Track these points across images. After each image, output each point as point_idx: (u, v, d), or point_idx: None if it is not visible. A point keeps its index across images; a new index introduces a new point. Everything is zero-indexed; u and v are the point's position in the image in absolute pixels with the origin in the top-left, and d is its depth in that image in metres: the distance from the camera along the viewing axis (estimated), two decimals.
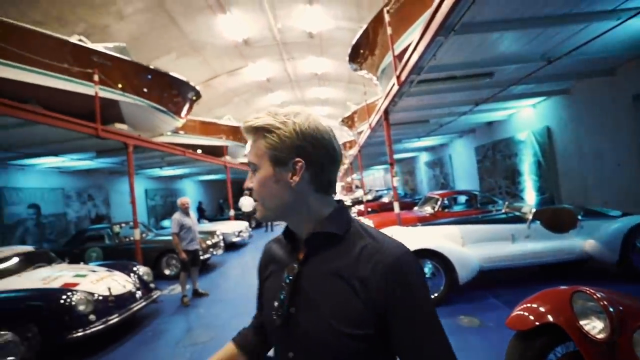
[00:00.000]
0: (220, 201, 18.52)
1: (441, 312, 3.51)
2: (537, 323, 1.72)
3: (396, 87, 4.52)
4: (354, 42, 7.64)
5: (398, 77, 4.43)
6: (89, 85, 5.27)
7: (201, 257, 6.69)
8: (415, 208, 7.57)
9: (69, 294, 3.42)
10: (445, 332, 0.63)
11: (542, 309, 1.77)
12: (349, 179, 27.18)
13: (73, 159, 7.34)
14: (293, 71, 16.30)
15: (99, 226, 7.57)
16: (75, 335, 3.25)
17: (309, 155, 0.68)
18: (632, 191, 4.91)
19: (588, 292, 1.58)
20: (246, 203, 12.85)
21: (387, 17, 4.80)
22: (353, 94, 18.15)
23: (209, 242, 7.15)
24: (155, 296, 4.46)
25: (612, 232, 3.85)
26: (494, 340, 2.93)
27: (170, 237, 7.11)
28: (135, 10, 9.20)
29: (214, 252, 7.38)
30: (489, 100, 5.68)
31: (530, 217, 4.05)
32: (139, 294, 4.17)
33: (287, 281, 0.69)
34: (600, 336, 1.48)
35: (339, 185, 29.60)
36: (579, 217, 4.10)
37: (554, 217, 4.09)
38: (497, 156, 8.79)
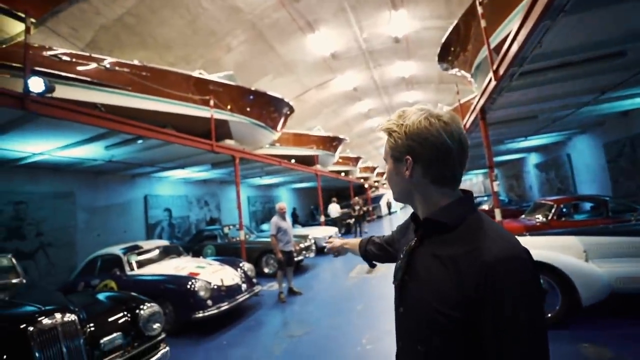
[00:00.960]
0: (311, 207, 19.57)
1: (556, 336, 3.07)
2: None
3: (493, 83, 4.12)
4: (443, 40, 7.24)
5: (495, 72, 4.04)
6: (206, 109, 6.32)
7: (295, 259, 7.23)
8: (523, 216, 6.65)
9: (193, 280, 4.14)
10: (542, 353, 0.61)
11: None
12: None
13: (194, 171, 8.83)
14: (380, 78, 16.26)
15: (213, 227, 8.88)
16: (197, 316, 3.92)
17: (417, 154, 0.78)
18: None
19: None
20: (333, 210, 13.27)
21: (480, 9, 4.45)
22: (444, 94, 17.05)
23: (302, 245, 7.65)
24: (257, 290, 5.01)
25: None
26: None
27: (269, 239, 7.92)
28: (240, 42, 10.66)
29: (307, 255, 7.85)
30: (620, 87, 4.67)
31: None
32: (244, 286, 4.75)
33: (405, 253, 0.85)
34: None
35: None
36: None
37: None
38: (638, 153, 7.08)
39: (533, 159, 13.41)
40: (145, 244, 5.23)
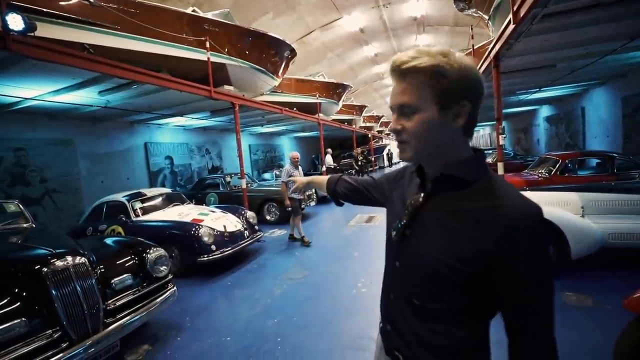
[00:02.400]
0: (313, 156, 19.55)
1: None
2: None
3: (512, 27, 3.77)
4: None
5: (515, 13, 3.67)
6: (202, 52, 5.95)
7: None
8: (525, 171, 6.60)
9: (197, 227, 4.28)
10: (553, 305, 0.66)
11: None
12: None
13: (193, 118, 8.64)
14: (389, 18, 15.06)
15: (215, 175, 8.97)
16: (202, 259, 4.12)
17: (473, 98, 0.70)
18: None
19: None
20: (329, 160, 13.34)
21: None
22: (459, 38, 15.91)
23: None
24: (259, 236, 5.20)
25: None
26: (609, 323, 2.53)
27: (270, 188, 8.04)
28: None
29: (309, 204, 8.03)
30: None
31: None
32: (246, 233, 4.92)
33: (410, 208, 0.80)
34: None
35: None
36: None
37: None
38: None
39: (544, 111, 12.95)
40: (149, 192, 5.32)
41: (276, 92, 9.78)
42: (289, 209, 5.51)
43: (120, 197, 5.04)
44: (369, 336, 2.65)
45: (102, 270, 2.46)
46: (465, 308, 0.72)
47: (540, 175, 5.79)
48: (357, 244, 5.48)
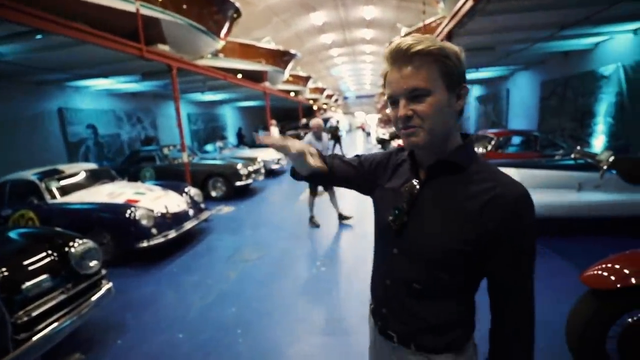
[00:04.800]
0: (258, 128, 18.73)
1: None
2: (618, 285, 1.58)
3: (470, 3, 3.79)
4: None
5: None
6: (130, 1, 5.00)
7: (243, 183, 7.01)
8: None
9: (132, 209, 3.74)
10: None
11: (626, 271, 1.61)
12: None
13: (121, 82, 7.45)
14: None
15: (150, 148, 8.00)
16: (141, 245, 3.66)
17: (465, 81, 0.75)
18: None
19: None
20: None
21: None
22: (405, 13, 16.06)
23: (250, 168, 7.39)
24: (206, 216, 4.81)
25: None
26: (539, 288, 2.86)
27: (215, 162, 7.46)
28: None
29: (256, 178, 7.66)
30: (580, 23, 4.69)
31: (606, 165, 3.59)
32: (191, 212, 4.49)
33: (407, 195, 0.81)
34: None
35: (375, 118, 28.42)
36: None
37: (636, 168, 3.60)
38: (568, 93, 7.67)
39: (476, 91, 13.98)
40: (68, 168, 4.48)
41: (219, 56, 8.89)
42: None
43: (30, 175, 4.15)
44: (336, 318, 2.61)
45: (5, 274, 1.94)
46: (461, 285, 0.78)
47: (478, 151, 6.25)
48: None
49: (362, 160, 1.01)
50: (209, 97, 12.00)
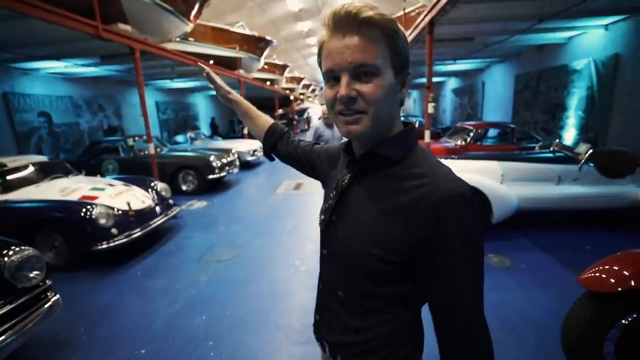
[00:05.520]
0: (231, 118, 18.06)
1: None
2: (619, 288, 1.49)
3: None
4: None
5: None
6: None
7: (216, 176, 6.64)
8: (443, 139, 7.08)
9: (88, 207, 3.34)
10: (482, 287, 0.61)
11: (625, 273, 1.53)
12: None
13: (77, 65, 6.77)
14: None
15: (113, 138, 7.38)
16: (100, 247, 3.28)
17: (409, 69, 0.66)
18: None
19: None
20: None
21: None
22: (385, 3, 15.87)
23: (224, 160, 7.02)
24: (175, 212, 4.46)
25: None
26: (525, 282, 2.82)
27: (186, 153, 7.01)
28: None
29: (230, 171, 7.30)
30: (558, 16, 4.69)
31: (584, 158, 3.61)
32: (158, 209, 4.13)
33: (336, 191, 0.74)
34: None
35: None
36: None
37: (611, 161, 3.65)
38: (541, 87, 7.84)
39: (452, 83, 14.14)
40: (10, 161, 3.95)
41: (189, 40, 8.30)
42: None
43: None
44: None
45: None
46: (393, 297, 0.67)
47: (456, 144, 6.24)
48: (287, 215, 5.17)
49: (319, 148, 0.98)
50: (178, 84, 11.31)
